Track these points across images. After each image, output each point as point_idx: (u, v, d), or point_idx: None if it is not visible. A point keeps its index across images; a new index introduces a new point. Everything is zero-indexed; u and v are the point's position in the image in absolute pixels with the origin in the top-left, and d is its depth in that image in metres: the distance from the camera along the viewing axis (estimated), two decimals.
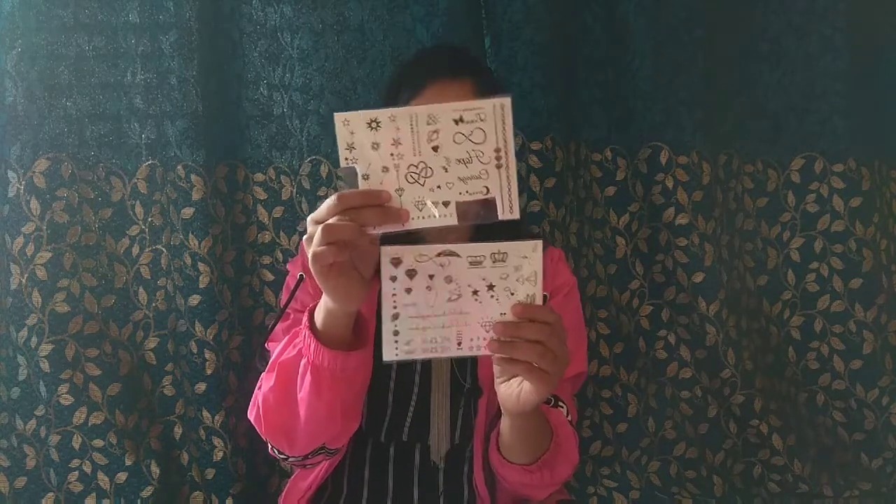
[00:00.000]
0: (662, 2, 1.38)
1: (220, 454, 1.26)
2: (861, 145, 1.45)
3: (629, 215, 1.41)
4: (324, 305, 0.77)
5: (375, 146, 0.67)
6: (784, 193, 1.47)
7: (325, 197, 0.86)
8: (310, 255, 0.68)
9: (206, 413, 1.25)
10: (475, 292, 0.71)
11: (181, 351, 1.27)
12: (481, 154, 0.67)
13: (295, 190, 1.33)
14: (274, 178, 1.33)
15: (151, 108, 1.27)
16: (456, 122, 0.67)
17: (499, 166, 0.68)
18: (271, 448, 0.90)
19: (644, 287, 1.42)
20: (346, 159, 0.67)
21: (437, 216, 0.68)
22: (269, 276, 1.33)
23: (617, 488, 1.37)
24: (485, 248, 0.70)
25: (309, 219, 0.69)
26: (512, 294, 0.71)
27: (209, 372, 1.25)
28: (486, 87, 0.96)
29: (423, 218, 0.68)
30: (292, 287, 0.91)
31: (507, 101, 0.67)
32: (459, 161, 0.68)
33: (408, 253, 0.70)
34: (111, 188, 1.28)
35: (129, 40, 1.27)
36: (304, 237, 0.70)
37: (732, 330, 1.40)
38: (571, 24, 1.39)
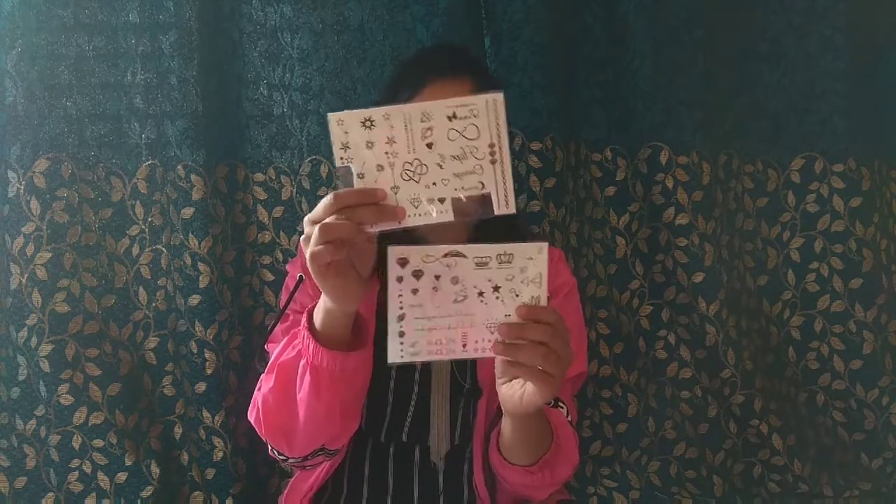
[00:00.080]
0: (662, 2, 1.38)
1: (220, 454, 1.26)
2: (861, 145, 1.45)
3: (629, 215, 1.41)
4: (322, 306, 0.77)
5: (370, 145, 0.67)
6: (784, 193, 1.47)
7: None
8: (307, 255, 0.68)
9: (206, 413, 1.25)
10: (481, 293, 0.71)
11: (181, 351, 1.27)
12: (475, 150, 0.68)
13: (295, 190, 1.33)
14: (274, 178, 1.33)
15: (151, 108, 1.27)
16: (449, 118, 0.67)
17: (493, 161, 0.68)
18: (271, 449, 0.90)
19: (644, 287, 1.42)
20: (342, 159, 0.67)
21: (433, 213, 0.69)
22: (269, 276, 1.33)
23: (617, 488, 1.37)
24: (491, 250, 0.70)
25: (306, 219, 0.69)
26: (517, 296, 0.71)
27: (209, 372, 1.25)
28: (485, 87, 0.96)
29: (420, 215, 0.69)
30: (291, 288, 0.91)
31: (499, 96, 0.67)
32: (454, 157, 0.68)
33: (414, 253, 0.70)
34: (111, 188, 1.29)
35: (129, 40, 1.27)
36: (302, 237, 0.70)
37: (732, 330, 1.40)
38: (571, 24, 1.39)
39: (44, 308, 1.22)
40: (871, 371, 1.44)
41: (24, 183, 1.23)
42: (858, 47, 1.45)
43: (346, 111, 0.67)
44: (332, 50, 1.32)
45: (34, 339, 1.22)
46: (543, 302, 0.71)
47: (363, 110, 0.67)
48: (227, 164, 1.32)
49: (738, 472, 1.41)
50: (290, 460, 0.90)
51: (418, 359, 0.73)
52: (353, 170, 0.68)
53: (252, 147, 1.33)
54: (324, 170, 1.32)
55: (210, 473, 1.26)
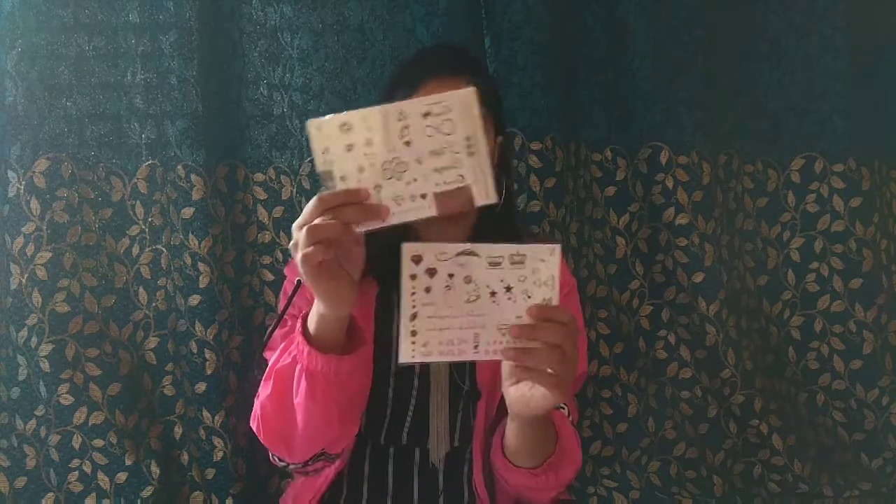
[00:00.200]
0: (662, 2, 1.38)
1: (220, 454, 1.26)
2: (861, 145, 1.45)
3: (629, 215, 1.41)
4: (316, 311, 0.77)
5: (350, 148, 0.69)
6: (784, 193, 1.47)
7: None
8: (298, 259, 0.70)
9: (206, 413, 1.25)
10: (493, 294, 0.71)
11: (181, 351, 1.27)
12: (452, 144, 0.69)
13: (295, 190, 1.33)
14: (274, 178, 1.33)
15: (151, 108, 1.27)
16: (424, 115, 0.68)
17: (471, 154, 0.69)
18: (272, 456, 0.90)
19: (644, 287, 1.42)
20: (323, 163, 0.69)
21: (416, 209, 0.70)
22: (269, 276, 1.33)
23: (617, 488, 1.37)
24: (503, 249, 0.71)
25: (294, 226, 0.71)
26: (529, 297, 0.71)
27: (209, 372, 1.25)
28: (484, 87, 0.96)
29: (403, 212, 0.70)
30: (290, 292, 0.91)
31: (470, 90, 0.69)
32: (432, 153, 0.69)
33: (429, 251, 0.70)
34: (111, 188, 1.29)
35: (129, 40, 1.27)
36: (291, 244, 0.72)
37: (732, 330, 1.40)
38: (571, 24, 1.39)
39: (44, 308, 1.22)
40: (871, 371, 1.44)
41: (24, 183, 1.23)
42: (858, 47, 1.45)
43: (323, 117, 0.68)
44: (332, 50, 1.32)
45: (34, 339, 1.22)
46: (555, 304, 0.72)
47: (340, 115, 0.68)
48: (227, 164, 1.32)
49: (738, 472, 1.41)
50: (292, 466, 0.90)
51: (430, 359, 0.72)
52: (335, 173, 0.69)
53: (252, 147, 1.33)
54: None
55: (210, 473, 1.26)
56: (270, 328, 0.88)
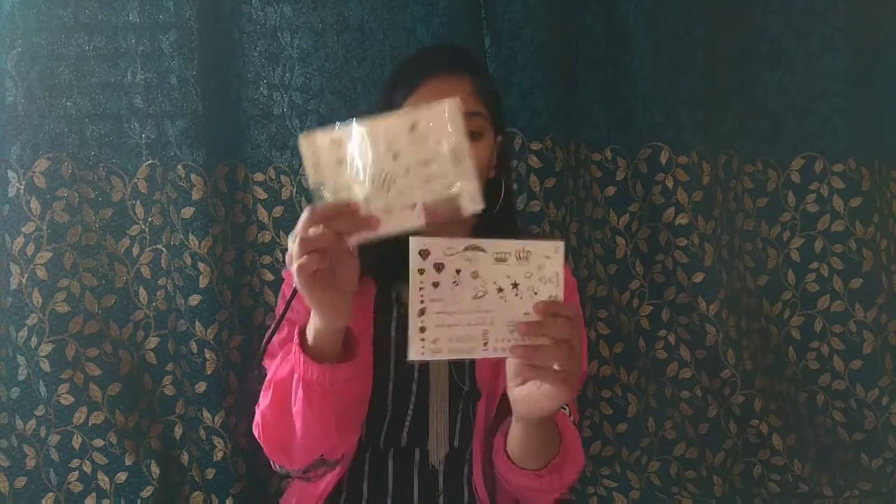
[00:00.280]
0: (662, 2, 1.38)
1: (220, 454, 1.26)
2: (861, 145, 1.45)
3: (629, 215, 1.41)
4: (312, 324, 0.78)
5: (339, 162, 0.71)
6: (784, 193, 1.47)
7: None
8: (293, 269, 0.71)
9: (206, 413, 1.25)
10: (500, 290, 0.72)
11: (181, 351, 1.27)
12: (439, 154, 0.70)
13: (295, 190, 1.33)
14: (274, 177, 1.33)
15: (151, 107, 1.27)
16: (411, 128, 0.70)
17: (457, 163, 0.71)
18: (274, 464, 0.91)
19: (644, 287, 1.42)
20: (314, 177, 0.72)
21: (406, 219, 0.71)
22: (269, 276, 1.33)
23: (617, 488, 1.37)
24: (509, 245, 0.72)
25: (290, 237, 0.72)
26: (535, 293, 0.72)
27: (209, 372, 1.25)
28: (484, 86, 0.96)
29: (394, 223, 0.71)
30: (288, 295, 0.91)
31: (454, 100, 0.70)
32: (420, 164, 0.71)
33: (436, 245, 0.71)
34: (111, 188, 1.29)
35: (129, 40, 1.27)
36: (286, 255, 0.73)
37: (732, 330, 1.40)
38: (571, 24, 1.39)
39: (44, 308, 1.22)
40: (871, 371, 1.44)
41: (24, 183, 1.23)
42: (858, 47, 1.45)
43: (314, 133, 0.71)
44: (332, 50, 1.32)
45: (34, 339, 1.22)
46: (560, 300, 0.72)
47: (330, 132, 0.71)
48: (227, 164, 1.32)
49: (738, 472, 1.41)
50: (293, 474, 0.91)
51: (440, 356, 0.72)
52: (326, 187, 0.72)
53: (252, 147, 1.33)
54: None
55: (210, 473, 1.26)
56: (268, 334, 0.88)
